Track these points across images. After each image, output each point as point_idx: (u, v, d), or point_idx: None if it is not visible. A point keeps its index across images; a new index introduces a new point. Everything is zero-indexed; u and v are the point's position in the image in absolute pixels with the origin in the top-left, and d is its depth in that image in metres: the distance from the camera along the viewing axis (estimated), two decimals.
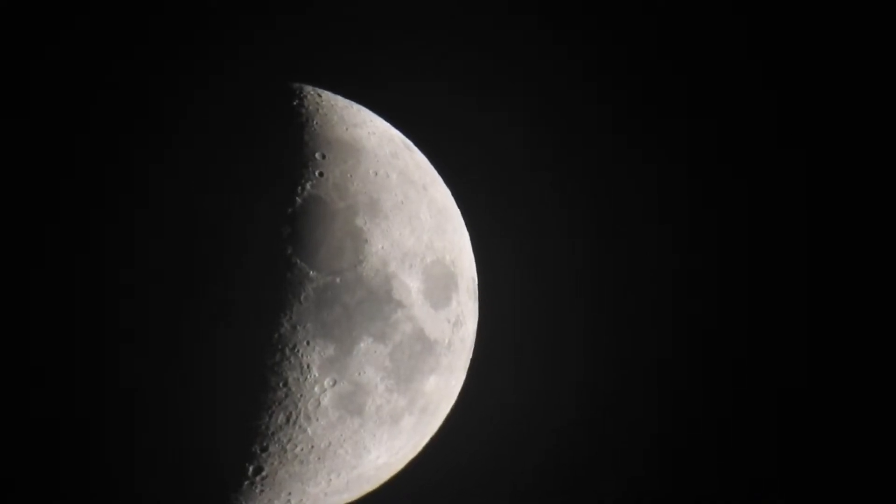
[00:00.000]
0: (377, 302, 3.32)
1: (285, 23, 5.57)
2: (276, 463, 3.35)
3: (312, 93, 3.76)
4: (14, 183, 3.30)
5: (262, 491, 3.43)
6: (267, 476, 3.38)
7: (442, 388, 3.75)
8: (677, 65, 5.94)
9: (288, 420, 3.26)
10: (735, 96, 5.94)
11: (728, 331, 5.89)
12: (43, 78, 3.76)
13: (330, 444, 3.40)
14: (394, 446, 3.65)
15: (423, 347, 3.52)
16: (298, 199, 3.27)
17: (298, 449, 3.35)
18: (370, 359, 3.32)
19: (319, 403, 3.28)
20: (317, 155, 3.43)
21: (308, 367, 3.22)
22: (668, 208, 5.99)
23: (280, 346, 3.17)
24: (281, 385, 3.21)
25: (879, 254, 5.77)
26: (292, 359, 3.19)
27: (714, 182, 5.98)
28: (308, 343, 3.20)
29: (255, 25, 5.51)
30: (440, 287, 3.61)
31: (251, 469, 3.34)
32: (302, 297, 3.18)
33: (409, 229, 3.52)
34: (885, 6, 5.70)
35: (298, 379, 3.22)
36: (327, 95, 3.81)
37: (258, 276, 3.14)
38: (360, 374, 3.31)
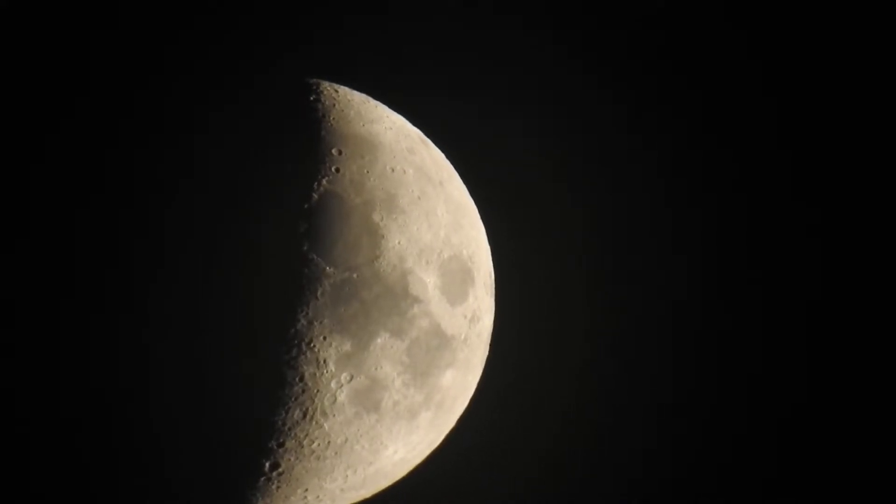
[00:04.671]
0: (394, 297, 3.32)
1: (302, 20, 5.58)
2: (292, 459, 3.36)
3: (329, 88, 3.75)
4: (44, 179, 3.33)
5: (278, 487, 3.44)
6: (283, 472, 3.39)
7: (459, 384, 3.74)
8: (689, 65, 5.91)
9: (304, 415, 3.27)
10: (757, 100, 5.91)
11: (736, 331, 5.86)
12: (65, 82, 3.79)
13: (346, 439, 3.40)
14: (410, 442, 3.64)
15: (440, 343, 3.51)
16: (315, 195, 3.26)
17: (315, 444, 3.35)
18: (387, 354, 3.31)
19: (336, 399, 3.28)
20: (333, 151, 3.42)
21: (325, 362, 3.22)
22: (681, 206, 5.96)
23: (297, 342, 3.17)
24: (297, 380, 3.21)
25: (881, 253, 5.71)
26: (309, 354, 3.19)
27: (718, 180, 5.95)
28: (325, 338, 3.20)
29: (271, 23, 5.52)
30: (457, 282, 3.60)
31: (267, 465, 3.35)
32: (318, 293, 3.18)
33: (425, 225, 3.51)
34: (885, 6, 5.64)
35: (315, 374, 3.22)
36: (344, 91, 3.80)
37: (275, 272, 3.14)
38: (376, 369, 3.31)
